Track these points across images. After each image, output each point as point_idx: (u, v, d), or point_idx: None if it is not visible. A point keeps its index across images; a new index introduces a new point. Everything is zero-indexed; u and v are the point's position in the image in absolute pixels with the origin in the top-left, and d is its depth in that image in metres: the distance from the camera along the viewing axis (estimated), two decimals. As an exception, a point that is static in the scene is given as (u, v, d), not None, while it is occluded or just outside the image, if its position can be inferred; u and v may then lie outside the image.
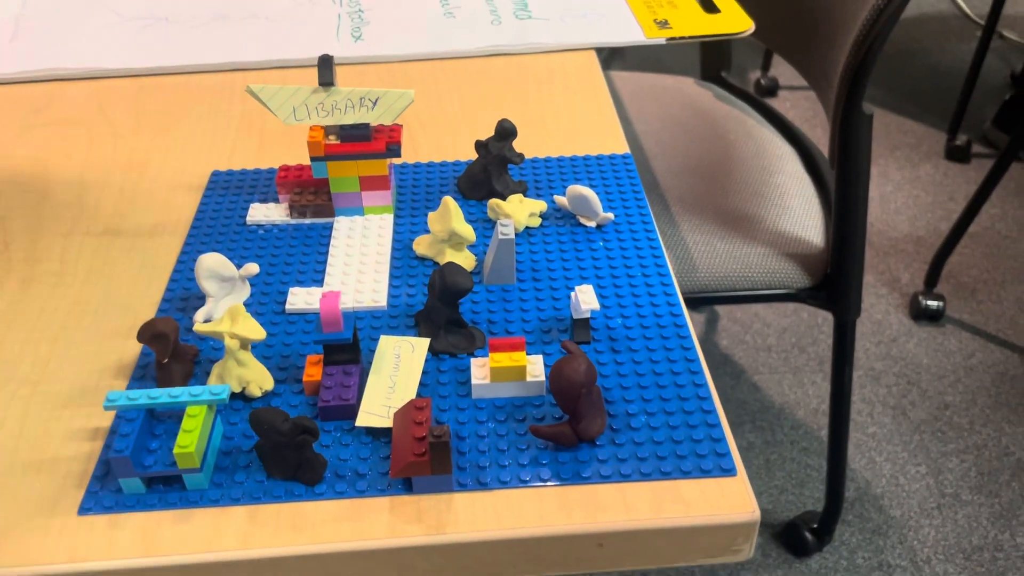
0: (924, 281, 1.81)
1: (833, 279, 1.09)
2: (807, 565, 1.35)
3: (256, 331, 0.58)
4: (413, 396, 0.58)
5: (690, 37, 1.00)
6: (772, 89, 2.46)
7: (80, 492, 0.54)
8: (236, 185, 0.80)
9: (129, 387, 0.61)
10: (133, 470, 0.52)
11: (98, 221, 0.77)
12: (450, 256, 0.69)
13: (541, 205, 0.75)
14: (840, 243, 1.06)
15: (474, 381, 0.59)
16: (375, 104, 0.70)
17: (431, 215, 0.70)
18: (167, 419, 0.57)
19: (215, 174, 0.82)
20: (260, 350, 0.63)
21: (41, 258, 0.73)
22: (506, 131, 0.75)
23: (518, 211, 0.73)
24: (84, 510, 0.53)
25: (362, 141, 0.72)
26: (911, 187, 2.10)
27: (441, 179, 0.81)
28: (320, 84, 0.70)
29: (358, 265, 0.70)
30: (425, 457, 0.52)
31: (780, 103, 2.41)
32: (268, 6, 1.10)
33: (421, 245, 0.71)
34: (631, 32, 1.01)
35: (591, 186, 0.79)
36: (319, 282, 0.69)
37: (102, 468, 0.55)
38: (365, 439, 0.56)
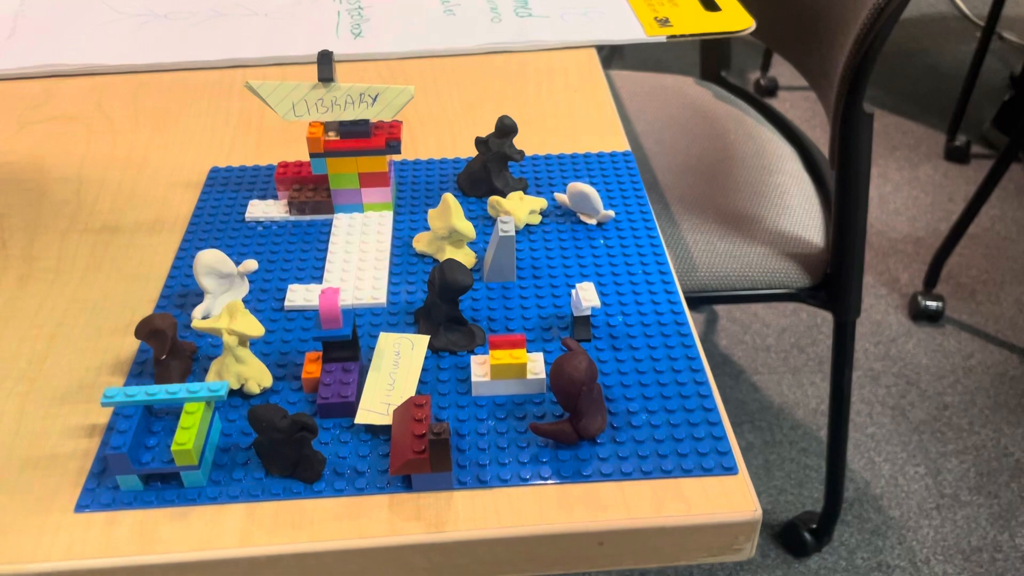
0: (923, 282, 1.80)
1: (833, 279, 1.09)
2: (806, 565, 1.35)
3: (255, 328, 0.58)
4: (413, 393, 0.58)
5: (691, 35, 1.00)
6: (771, 89, 2.46)
7: (77, 489, 0.53)
8: (235, 181, 0.80)
9: (127, 384, 0.61)
10: (131, 467, 0.52)
11: (96, 217, 0.77)
12: (450, 253, 0.69)
13: (541, 202, 0.75)
14: (840, 243, 1.06)
15: (474, 378, 0.58)
16: (375, 100, 0.70)
17: (431, 212, 0.69)
18: (165, 416, 0.57)
19: (214, 170, 0.82)
20: (259, 347, 0.63)
21: (39, 255, 0.73)
22: (506, 128, 0.75)
23: (518, 208, 0.73)
24: (81, 507, 0.52)
25: (362, 137, 0.71)
26: (910, 188, 2.10)
27: (441, 176, 0.80)
28: (320, 80, 0.69)
29: (357, 262, 0.70)
30: (425, 454, 0.51)
31: (779, 103, 2.40)
32: (267, 3, 1.10)
33: (421, 242, 0.71)
34: (632, 30, 1.01)
35: (591, 183, 0.78)
36: (318, 279, 0.69)
37: (99, 465, 0.55)
38: (364, 436, 0.56)
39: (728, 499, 0.52)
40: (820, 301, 1.11)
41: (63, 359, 0.63)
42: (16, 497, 0.53)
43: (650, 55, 2.54)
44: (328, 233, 0.73)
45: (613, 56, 2.39)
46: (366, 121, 0.71)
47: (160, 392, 0.53)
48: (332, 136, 0.72)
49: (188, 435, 0.52)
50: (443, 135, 0.87)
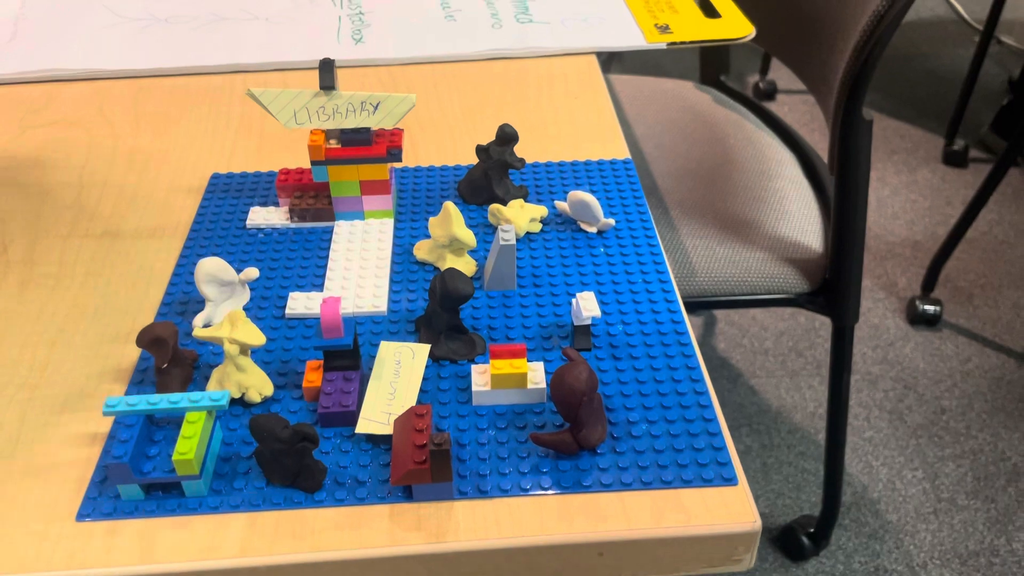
0: (921, 286, 1.81)
1: (832, 284, 1.09)
2: (804, 569, 1.35)
3: (256, 336, 0.58)
4: (413, 403, 0.58)
5: (691, 42, 1.00)
6: (770, 93, 2.46)
7: (78, 498, 0.54)
8: (236, 188, 0.80)
9: (128, 392, 0.61)
10: (132, 476, 0.52)
11: (97, 223, 0.77)
12: (451, 261, 0.69)
13: (542, 210, 0.75)
14: (839, 249, 1.06)
15: (475, 388, 0.58)
16: (376, 108, 0.70)
17: (432, 220, 0.70)
18: (166, 425, 0.57)
19: (215, 176, 0.82)
20: (260, 355, 0.63)
21: (39, 260, 0.73)
22: (507, 136, 0.75)
23: (519, 216, 0.73)
24: (82, 516, 0.52)
25: (363, 145, 0.72)
26: (909, 192, 2.10)
27: (442, 183, 0.80)
28: (321, 88, 0.69)
29: (358, 270, 0.70)
30: (425, 465, 0.51)
31: (778, 107, 2.41)
32: (268, 8, 1.10)
33: (421, 250, 0.71)
34: (632, 36, 1.01)
35: (592, 191, 0.79)
36: (319, 287, 0.69)
37: (100, 474, 0.55)
38: (365, 446, 0.56)
39: (728, 510, 0.52)
40: (819, 306, 1.11)
41: (64, 366, 0.63)
42: (17, 505, 0.53)
43: (649, 59, 2.54)
44: (329, 241, 0.74)
45: (612, 60, 2.39)
46: (367, 129, 0.71)
47: (161, 401, 0.54)
48: (333, 144, 0.72)
49: (189, 444, 0.52)
50: (444, 142, 0.87)
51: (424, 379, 0.60)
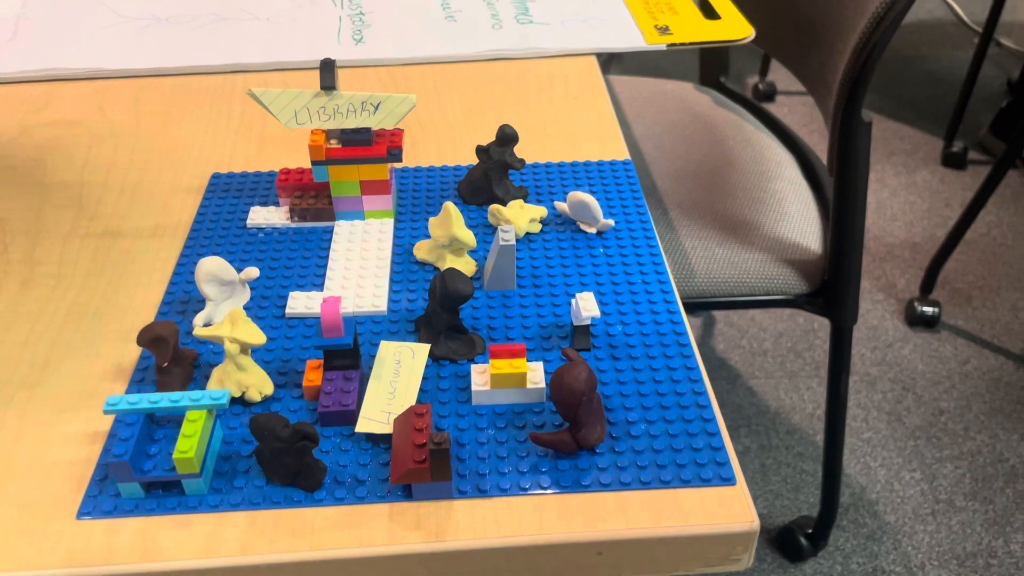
0: (920, 287, 1.81)
1: (830, 286, 1.09)
2: (802, 570, 1.35)
3: (256, 336, 0.58)
4: (413, 402, 0.58)
5: (690, 43, 1.00)
6: (770, 94, 2.46)
7: (78, 496, 0.54)
8: (236, 188, 0.80)
9: (128, 391, 0.61)
10: (132, 474, 0.52)
11: (97, 222, 0.77)
12: (451, 261, 0.69)
13: (542, 211, 0.75)
14: (838, 250, 1.07)
15: (474, 388, 0.59)
16: (377, 108, 0.70)
17: (432, 220, 0.70)
18: (166, 424, 0.57)
19: (215, 176, 0.82)
20: (260, 355, 0.63)
21: (40, 260, 0.73)
22: (507, 136, 0.75)
23: (519, 217, 0.73)
24: (83, 514, 0.52)
25: (363, 145, 0.72)
26: (907, 193, 2.10)
27: (442, 184, 0.81)
28: (322, 88, 0.69)
29: (358, 270, 0.70)
30: (425, 464, 0.52)
31: (778, 108, 2.41)
32: (269, 8, 1.10)
33: (421, 250, 0.71)
34: (632, 38, 1.01)
35: (591, 192, 0.79)
36: (319, 286, 0.69)
37: (101, 472, 0.55)
38: (365, 445, 0.56)
39: (726, 510, 0.52)
40: (818, 308, 1.12)
41: (64, 365, 0.63)
42: (18, 503, 0.54)
43: (649, 60, 2.54)
44: (329, 240, 0.74)
45: (612, 61, 2.39)
46: (368, 129, 0.71)
47: (162, 400, 0.54)
48: (334, 144, 0.72)
49: (190, 443, 0.52)
50: (444, 142, 0.87)
51: (424, 379, 0.61)
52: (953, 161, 2.18)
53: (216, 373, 0.59)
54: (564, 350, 0.56)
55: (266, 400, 0.59)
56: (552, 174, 0.81)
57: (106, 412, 0.54)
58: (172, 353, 0.59)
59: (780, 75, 2.49)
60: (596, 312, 0.62)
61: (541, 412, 0.58)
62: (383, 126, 0.71)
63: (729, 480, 0.54)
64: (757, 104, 1.40)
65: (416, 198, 0.79)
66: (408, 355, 0.61)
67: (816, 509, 1.42)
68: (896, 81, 2.53)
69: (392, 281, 0.69)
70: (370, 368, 0.61)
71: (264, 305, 0.67)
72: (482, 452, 0.56)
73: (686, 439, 0.56)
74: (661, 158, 1.23)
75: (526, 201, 0.78)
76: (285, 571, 0.51)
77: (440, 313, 0.62)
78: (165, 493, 0.54)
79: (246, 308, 0.67)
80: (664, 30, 1.02)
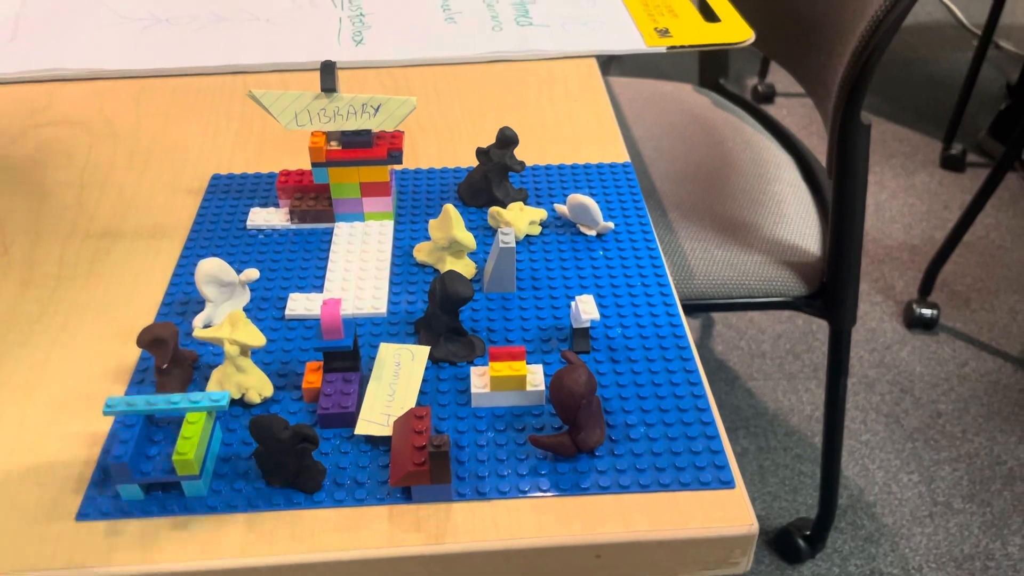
0: (918, 289, 1.81)
1: (829, 288, 1.09)
2: (799, 572, 1.35)
3: (256, 337, 0.58)
4: (413, 404, 0.58)
5: (690, 46, 1.00)
6: (769, 96, 2.47)
7: (78, 497, 0.54)
8: (236, 189, 0.80)
9: (128, 392, 0.61)
10: (132, 476, 0.52)
11: (97, 223, 0.77)
12: (450, 263, 0.70)
13: (541, 213, 0.75)
14: (836, 252, 1.07)
15: (474, 390, 0.59)
16: (377, 111, 0.70)
17: (432, 222, 0.70)
18: (166, 425, 0.57)
19: (215, 177, 0.82)
20: (259, 356, 0.63)
21: (40, 260, 0.73)
22: (508, 139, 0.75)
23: (518, 219, 0.73)
24: (82, 516, 0.53)
25: (364, 147, 0.72)
26: (906, 195, 2.11)
27: (442, 186, 0.81)
28: (322, 90, 0.70)
29: (358, 271, 0.70)
30: (425, 466, 0.52)
31: (777, 110, 2.41)
32: (269, 9, 1.10)
33: (421, 252, 0.72)
34: (632, 40, 1.01)
35: (591, 195, 0.79)
36: (319, 288, 0.69)
37: (100, 473, 0.55)
38: (364, 447, 0.56)
39: (725, 513, 0.53)
40: (816, 310, 1.12)
41: (64, 366, 0.63)
42: (17, 505, 0.54)
43: (648, 61, 2.55)
44: (329, 242, 0.74)
45: (611, 62, 2.39)
46: (368, 131, 0.71)
47: (162, 401, 0.54)
48: (334, 146, 0.72)
49: (189, 445, 0.52)
50: (444, 144, 0.87)
51: (423, 381, 0.61)
52: (952, 163, 2.19)
53: (216, 375, 0.59)
54: (564, 353, 0.56)
55: (266, 402, 0.60)
56: (552, 176, 0.81)
57: (105, 413, 0.54)
58: (172, 354, 0.59)
59: (779, 77, 2.49)
60: (596, 315, 0.62)
61: (540, 415, 0.58)
62: (383, 128, 0.71)
63: (728, 483, 0.54)
64: (756, 106, 1.40)
65: (416, 200, 0.79)
66: (408, 357, 0.61)
67: (814, 511, 1.42)
68: (895, 83, 2.53)
69: (392, 283, 0.69)
70: (370, 370, 0.61)
71: (264, 307, 0.68)
72: (481, 455, 0.56)
73: (685, 442, 0.56)
74: (660, 160, 1.23)
75: (526, 203, 0.78)
76: (284, 573, 0.51)
77: (440, 315, 0.62)
78: (164, 495, 0.54)
79: (246, 310, 0.67)
80: (664, 33, 1.02)
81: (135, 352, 0.64)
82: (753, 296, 1.09)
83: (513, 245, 0.66)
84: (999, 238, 1.97)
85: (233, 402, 0.59)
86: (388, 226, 0.75)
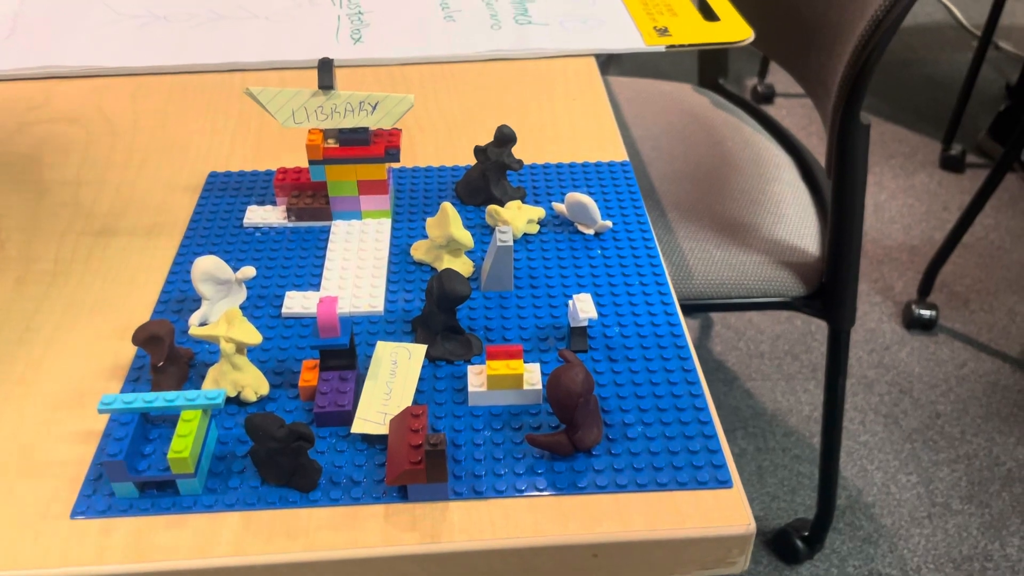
0: (917, 290, 1.81)
1: (828, 288, 1.09)
2: (797, 573, 1.35)
3: (252, 335, 0.58)
4: (409, 403, 0.58)
5: (690, 45, 1.00)
6: (768, 96, 2.46)
7: (73, 495, 0.54)
8: (233, 187, 0.80)
9: (123, 390, 0.61)
10: (127, 474, 0.52)
11: (94, 221, 0.77)
12: (448, 262, 0.69)
13: (540, 212, 0.75)
14: (836, 253, 1.07)
15: (471, 388, 0.58)
16: (375, 108, 0.70)
17: (429, 220, 0.70)
18: (161, 423, 0.57)
19: (212, 175, 0.82)
20: (256, 354, 0.63)
21: (36, 257, 0.73)
22: (506, 137, 0.75)
23: (516, 218, 0.73)
24: (77, 514, 0.52)
25: (361, 145, 0.72)
26: (905, 196, 2.11)
27: (439, 184, 0.80)
28: (320, 87, 0.69)
29: (355, 270, 0.70)
30: (421, 465, 0.51)
31: (776, 110, 2.41)
32: (267, 7, 1.10)
33: (419, 250, 0.71)
34: (631, 39, 1.01)
35: (589, 193, 0.79)
36: (316, 286, 0.69)
37: (95, 471, 0.55)
38: (360, 446, 0.56)
39: (722, 513, 0.52)
40: (815, 310, 1.11)
41: (59, 363, 0.63)
42: (11, 502, 0.53)
43: (648, 61, 2.54)
44: (326, 240, 0.74)
45: (610, 62, 2.39)
46: (365, 129, 0.71)
47: (157, 399, 0.53)
48: (331, 143, 0.72)
49: (185, 443, 0.52)
50: (442, 142, 0.87)
51: (420, 379, 0.60)
52: (951, 164, 2.18)
53: (212, 373, 0.59)
54: (561, 352, 0.56)
55: (262, 400, 0.59)
56: (550, 175, 0.81)
57: (101, 411, 0.53)
58: (168, 352, 0.59)
59: (779, 77, 2.49)
60: (593, 314, 0.62)
61: (538, 414, 0.58)
62: (381, 126, 0.71)
63: (726, 483, 0.54)
64: (756, 106, 1.40)
65: (414, 198, 0.79)
66: (404, 356, 0.61)
67: (812, 511, 1.42)
68: (895, 84, 2.53)
69: (389, 281, 0.69)
70: (366, 369, 0.60)
71: (260, 305, 0.67)
72: (478, 453, 0.55)
73: (683, 441, 0.56)
74: (659, 159, 1.23)
75: (524, 202, 0.78)
76: (280, 572, 0.51)
77: (437, 314, 0.61)
78: (160, 493, 0.53)
79: (242, 308, 0.67)
80: (663, 31, 1.02)
81: (131, 350, 0.64)
82: (752, 296, 1.09)
83: (511, 243, 0.65)
84: (998, 239, 1.97)
85: (229, 400, 0.59)
86: (385, 224, 0.75)
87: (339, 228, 0.74)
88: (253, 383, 0.59)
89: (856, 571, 1.35)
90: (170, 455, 0.51)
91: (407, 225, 0.75)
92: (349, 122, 0.71)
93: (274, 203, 0.78)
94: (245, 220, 0.76)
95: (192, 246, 0.73)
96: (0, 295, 0.69)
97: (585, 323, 0.62)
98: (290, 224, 0.75)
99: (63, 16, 1.08)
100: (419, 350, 0.61)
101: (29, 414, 0.59)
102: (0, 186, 0.81)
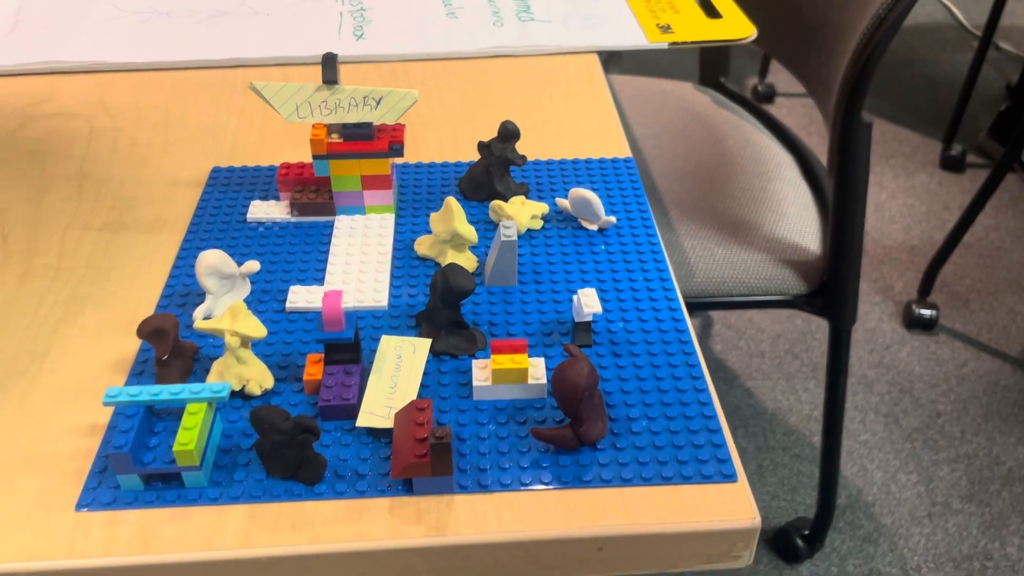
0: (918, 290, 1.81)
1: (829, 286, 1.09)
2: (798, 571, 1.35)
3: (257, 329, 0.58)
4: (414, 397, 0.58)
5: (692, 42, 1.00)
6: (769, 96, 2.47)
7: (78, 488, 0.53)
8: (236, 182, 0.80)
9: (127, 384, 0.61)
10: (132, 467, 0.52)
11: (97, 215, 0.77)
12: (452, 257, 0.69)
13: (543, 207, 0.75)
14: (837, 250, 1.07)
15: (475, 383, 0.58)
16: (379, 103, 0.70)
17: (433, 215, 0.70)
18: (166, 416, 0.57)
19: (215, 170, 0.82)
20: (260, 348, 0.63)
21: (39, 251, 0.72)
22: (509, 132, 0.75)
23: (520, 213, 0.73)
24: (82, 506, 0.52)
25: (365, 140, 0.72)
26: (906, 196, 2.11)
27: (442, 180, 0.80)
28: (324, 82, 0.69)
29: (359, 264, 0.70)
30: (426, 458, 0.51)
31: (776, 110, 2.41)
32: (269, 3, 1.10)
33: (422, 245, 0.71)
34: (633, 36, 1.01)
35: (593, 189, 0.79)
36: (319, 281, 0.69)
37: (100, 464, 0.55)
38: (365, 439, 0.56)
39: (727, 506, 0.52)
40: (816, 308, 1.12)
41: (63, 357, 0.63)
42: (16, 495, 0.53)
43: (648, 59, 2.55)
44: (329, 235, 0.74)
45: (611, 60, 2.39)
46: (369, 124, 0.71)
47: (163, 392, 0.53)
48: (335, 138, 0.72)
49: (190, 435, 0.52)
50: (444, 138, 0.87)
51: (425, 374, 0.60)
52: (952, 164, 2.19)
53: (216, 366, 0.59)
54: (566, 346, 0.56)
55: (266, 394, 0.59)
56: (553, 171, 0.81)
57: (106, 404, 0.53)
58: (172, 346, 0.59)
59: (779, 77, 2.49)
60: (598, 308, 0.62)
61: (542, 408, 0.58)
62: (384, 121, 0.71)
63: (730, 477, 0.54)
64: (757, 104, 1.40)
65: (417, 194, 0.79)
66: (409, 350, 0.61)
67: (812, 510, 1.42)
68: (895, 84, 2.53)
69: (393, 276, 0.69)
70: (370, 363, 0.60)
71: (264, 299, 0.67)
72: (483, 447, 0.55)
73: (687, 435, 0.56)
74: (660, 157, 1.23)
75: (527, 198, 0.78)
76: (285, 564, 0.51)
77: (441, 308, 0.61)
78: (164, 486, 0.53)
79: (246, 302, 0.67)
80: (666, 28, 1.02)
81: (134, 344, 0.64)
82: (753, 294, 1.09)
83: (515, 238, 0.65)
84: (998, 239, 1.97)
85: (233, 394, 0.59)
86: (389, 219, 0.75)
87: (342, 223, 0.74)
88: (258, 377, 0.59)
89: (856, 570, 1.35)
90: (176, 447, 0.51)
91: (410, 220, 0.75)
92: (353, 117, 0.71)
93: (277, 198, 0.78)
94: (248, 215, 0.75)
95: (195, 241, 0.73)
96: (3, 290, 0.69)
97: (590, 318, 0.63)
98: (293, 219, 0.75)
99: (65, 12, 1.08)
100: (424, 344, 0.61)
101: (33, 408, 0.59)
102: (3, 181, 0.81)
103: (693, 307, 1.08)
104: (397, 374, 0.59)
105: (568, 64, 0.99)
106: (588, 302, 0.62)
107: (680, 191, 1.17)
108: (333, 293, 0.57)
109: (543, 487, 0.53)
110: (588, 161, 0.83)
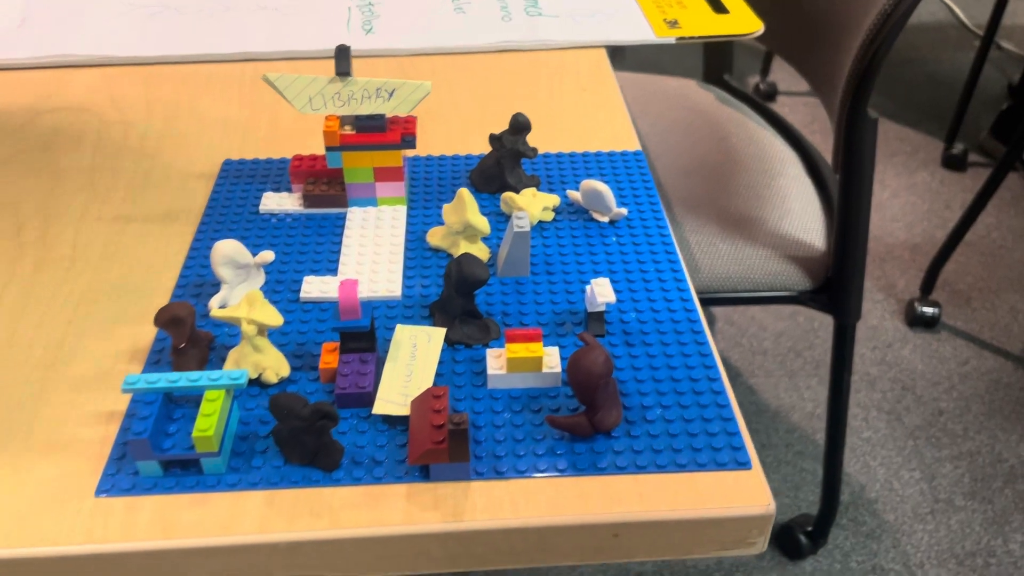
0: (920, 288, 1.82)
1: (834, 282, 1.10)
2: (801, 568, 1.36)
3: (274, 317, 0.58)
4: (430, 385, 0.58)
5: (699, 37, 1.01)
6: (771, 94, 2.47)
7: (97, 474, 0.54)
8: (248, 174, 0.80)
9: (144, 372, 0.61)
10: (152, 453, 0.52)
11: (110, 207, 0.77)
12: (464, 248, 0.70)
13: (554, 199, 0.75)
14: (842, 246, 1.07)
15: (490, 371, 0.59)
16: (391, 95, 0.70)
17: (446, 207, 0.70)
18: (184, 403, 0.57)
19: (227, 163, 0.82)
20: (275, 338, 0.63)
21: (54, 242, 0.73)
22: (520, 125, 0.75)
23: (531, 205, 0.74)
24: (101, 492, 0.53)
25: (377, 132, 0.72)
26: (908, 194, 2.11)
27: (453, 172, 0.81)
28: (337, 73, 0.70)
29: (372, 255, 0.70)
30: (443, 445, 0.52)
31: (779, 108, 2.42)
32: (278, -2, 1.11)
33: (435, 237, 0.72)
34: (641, 31, 1.02)
35: (603, 182, 0.79)
36: (333, 271, 0.69)
37: (119, 451, 0.55)
38: (381, 427, 0.56)
39: (742, 493, 0.53)
40: (821, 304, 1.12)
41: (80, 346, 0.63)
42: (36, 481, 0.54)
43: (651, 57, 2.55)
44: (342, 226, 0.74)
45: (614, 58, 2.39)
46: (382, 116, 0.72)
47: (181, 379, 0.54)
48: (348, 130, 0.72)
49: (209, 422, 0.52)
50: (454, 132, 0.87)
51: (440, 363, 0.61)
52: (953, 163, 2.19)
53: (233, 355, 0.59)
54: (581, 335, 0.56)
55: (282, 382, 0.60)
56: (564, 164, 0.82)
57: (124, 391, 0.54)
58: (189, 334, 0.59)
59: (781, 76, 2.50)
60: (612, 298, 0.62)
61: (556, 396, 0.59)
62: (397, 112, 0.71)
63: (745, 464, 0.54)
64: (760, 102, 1.40)
65: (428, 186, 0.79)
66: (424, 339, 0.61)
67: (816, 507, 1.42)
68: (897, 83, 2.54)
69: (405, 267, 0.70)
70: (385, 352, 0.61)
71: (279, 289, 0.68)
72: (499, 435, 0.56)
73: (701, 424, 0.57)
74: (665, 154, 1.24)
75: (538, 190, 0.78)
76: (303, 549, 0.51)
77: (455, 298, 0.62)
78: (183, 472, 0.54)
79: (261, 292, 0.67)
80: (673, 24, 1.03)
81: (149, 333, 0.64)
82: (758, 290, 1.09)
83: (528, 229, 0.66)
84: (1000, 238, 1.98)
85: (250, 382, 0.59)
86: (401, 211, 0.75)
87: (355, 214, 0.75)
88: (274, 365, 0.59)
89: (859, 566, 1.36)
90: (195, 434, 0.52)
91: (422, 212, 0.76)
92: (366, 109, 0.71)
93: (289, 190, 0.78)
94: (261, 206, 0.76)
95: (209, 232, 0.73)
96: (19, 280, 0.69)
97: (603, 307, 0.63)
98: (305, 211, 0.76)
99: (74, 6, 1.08)
100: (438, 333, 0.61)
101: (51, 396, 0.59)
102: (16, 173, 0.81)
103: (699, 302, 1.09)
104: (413, 363, 0.59)
105: (576, 58, 1.00)
106: (602, 292, 0.62)
107: (684, 188, 1.17)
108: (349, 282, 0.58)
109: (558, 474, 0.54)
110: (598, 154, 0.83)
